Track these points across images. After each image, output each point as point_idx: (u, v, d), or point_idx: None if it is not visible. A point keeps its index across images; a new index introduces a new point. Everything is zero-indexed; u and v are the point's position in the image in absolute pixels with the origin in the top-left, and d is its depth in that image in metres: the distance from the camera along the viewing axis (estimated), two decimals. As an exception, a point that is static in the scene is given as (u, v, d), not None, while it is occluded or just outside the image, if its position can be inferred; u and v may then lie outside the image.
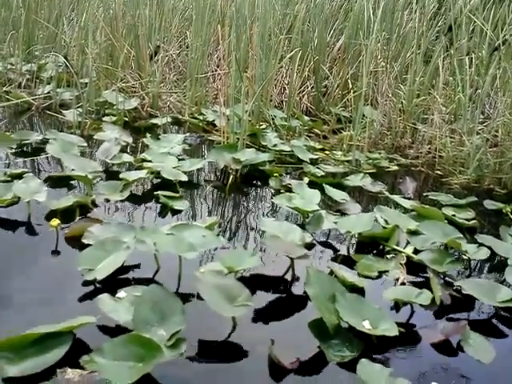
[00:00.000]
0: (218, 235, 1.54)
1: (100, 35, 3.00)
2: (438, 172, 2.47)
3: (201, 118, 2.81)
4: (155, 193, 1.82)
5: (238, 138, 2.28)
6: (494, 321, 1.35)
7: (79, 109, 2.54)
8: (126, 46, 3.00)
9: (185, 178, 1.96)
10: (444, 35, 2.92)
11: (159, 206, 1.80)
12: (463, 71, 2.62)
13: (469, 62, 2.65)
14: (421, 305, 1.33)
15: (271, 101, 2.93)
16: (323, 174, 2.23)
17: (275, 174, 2.11)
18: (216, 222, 1.63)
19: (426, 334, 1.25)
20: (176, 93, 3.04)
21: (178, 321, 1.08)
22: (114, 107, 2.65)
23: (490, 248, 1.62)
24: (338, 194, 1.96)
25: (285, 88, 3.10)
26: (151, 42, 3.06)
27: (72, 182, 1.90)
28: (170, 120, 2.75)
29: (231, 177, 2.09)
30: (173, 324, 1.08)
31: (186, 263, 1.36)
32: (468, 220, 1.88)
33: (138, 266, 1.39)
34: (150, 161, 2.08)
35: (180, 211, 1.77)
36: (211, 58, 3.24)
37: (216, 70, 3.16)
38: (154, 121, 2.69)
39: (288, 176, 2.21)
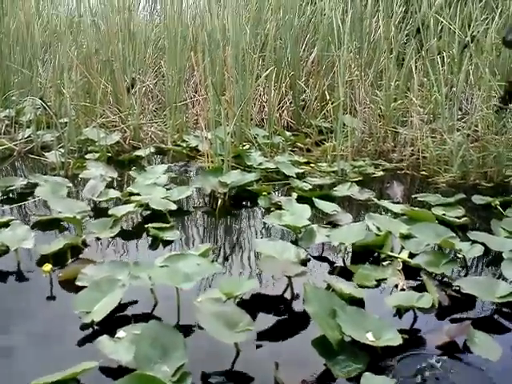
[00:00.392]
0: (213, 261, 1.53)
1: (75, 74, 3.01)
2: (424, 173, 2.49)
3: (184, 144, 2.81)
4: (145, 225, 1.81)
5: (223, 161, 2.28)
6: (496, 317, 1.35)
7: (61, 149, 2.54)
8: (102, 82, 3.01)
9: (174, 207, 1.96)
10: (414, 37, 2.97)
11: (151, 238, 1.79)
12: (436, 71, 2.66)
13: (441, 61, 2.70)
14: (422, 308, 1.33)
15: (252, 120, 2.95)
16: (311, 187, 2.24)
17: (263, 193, 2.12)
18: (209, 248, 1.62)
19: (431, 338, 1.25)
20: (156, 122, 3.04)
21: (181, 355, 1.07)
22: (96, 144, 2.65)
23: (483, 244, 1.62)
24: (328, 207, 1.96)
25: (264, 106, 3.12)
26: (127, 74, 3.07)
27: (61, 224, 1.88)
28: (153, 150, 2.75)
29: (220, 201, 2.09)
30: (175, 359, 1.06)
31: (183, 294, 1.35)
32: (459, 218, 1.89)
33: (135, 303, 1.38)
34: (137, 194, 2.07)
35: (172, 241, 1.76)
36: (188, 85, 3.26)
37: (194, 96, 3.18)
38: (138, 153, 2.69)
39: (276, 193, 2.22)
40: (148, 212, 1.98)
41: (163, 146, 2.85)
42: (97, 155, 2.60)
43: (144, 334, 1.12)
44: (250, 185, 2.22)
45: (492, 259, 1.66)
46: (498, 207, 1.98)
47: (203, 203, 2.17)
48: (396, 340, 1.13)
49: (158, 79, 3.44)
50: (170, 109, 2.93)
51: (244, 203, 2.16)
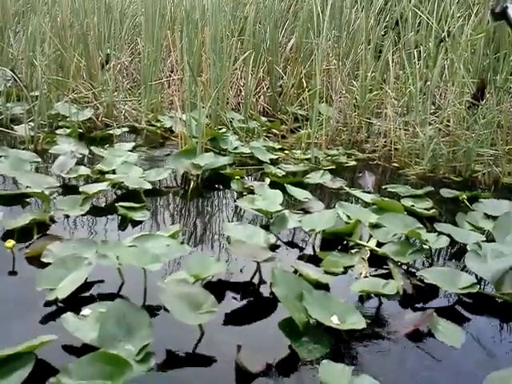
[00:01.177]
0: (183, 243, 1.53)
1: (48, 46, 2.93)
2: (395, 164, 2.52)
3: (158, 124, 2.78)
4: (116, 204, 1.79)
5: (197, 143, 2.27)
6: (458, 307, 1.39)
7: (31, 123, 2.47)
8: (75, 56, 2.94)
9: (149, 187, 1.94)
10: (392, 30, 2.99)
11: (121, 218, 1.77)
12: (412, 64, 2.69)
13: (417, 55, 2.72)
14: (387, 296, 1.36)
15: (228, 103, 2.93)
16: (284, 173, 2.24)
17: (236, 177, 2.11)
18: (179, 230, 1.61)
19: (394, 325, 1.28)
20: (131, 101, 2.99)
21: (146, 334, 1.06)
22: (68, 119, 2.59)
23: (449, 236, 1.66)
24: (300, 193, 1.97)
25: (241, 90, 3.10)
26: (102, 50, 3.00)
27: (28, 199, 1.84)
28: (126, 129, 2.71)
29: (192, 183, 2.08)
30: (140, 338, 1.06)
31: (151, 275, 1.34)
32: (427, 209, 1.93)
33: (101, 282, 1.36)
34: (110, 172, 2.04)
35: (142, 222, 1.74)
36: (164, 64, 3.21)
37: (170, 76, 3.13)
38: (110, 131, 2.64)
39: (250, 178, 2.21)
40: (122, 191, 1.96)
41: (137, 125, 2.81)
42: (68, 131, 2.54)
43: (109, 313, 1.11)
44: (224, 168, 2.21)
45: (457, 251, 1.71)
46: (465, 201, 2.03)
47: (176, 184, 2.16)
48: (360, 323, 1.15)
49: (133, 57, 3.38)
50: (145, 87, 2.88)
51: (217, 186, 2.15)
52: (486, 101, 2.50)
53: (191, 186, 2.06)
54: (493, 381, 1.02)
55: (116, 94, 2.97)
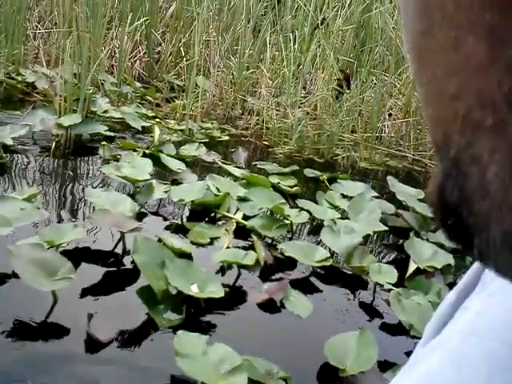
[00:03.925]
0: (39, 208, 1.42)
1: None
2: (266, 142, 2.60)
3: (19, 78, 2.53)
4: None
5: (64, 102, 2.11)
6: (312, 278, 1.49)
7: None
8: None
9: (10, 142, 1.77)
10: (271, 10, 3.05)
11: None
12: (288, 47, 2.78)
13: (293, 38, 2.82)
14: (247, 267, 1.41)
15: (100, 64, 2.77)
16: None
17: (104, 143, 2.01)
18: (36, 193, 1.50)
19: (252, 294, 1.33)
20: (-13, 49, 2.68)
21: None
22: None
23: (309, 212, 1.77)
24: (174, 164, 1.94)
25: (115, 52, 2.95)
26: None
27: None
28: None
29: (54, 143, 1.94)
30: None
31: (2, 239, 1.23)
32: (291, 187, 2.03)
33: None
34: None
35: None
36: (31, 14, 2.92)
37: (37, 27, 2.86)
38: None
39: (119, 144, 2.13)
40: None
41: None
42: None
43: None
44: (91, 132, 2.09)
45: (315, 226, 1.82)
46: (325, 181, 2.17)
47: (35, 144, 1.99)
48: (219, 293, 1.18)
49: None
50: (7, 36, 2.59)
51: (82, 150, 2.03)
52: (350, 90, 2.69)
53: (53, 146, 1.92)
54: (333, 343, 1.12)
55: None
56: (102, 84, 2.57)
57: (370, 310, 1.40)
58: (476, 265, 0.23)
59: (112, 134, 2.18)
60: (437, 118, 0.14)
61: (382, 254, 1.75)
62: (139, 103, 2.63)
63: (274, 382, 1.00)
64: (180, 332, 1.05)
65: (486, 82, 0.12)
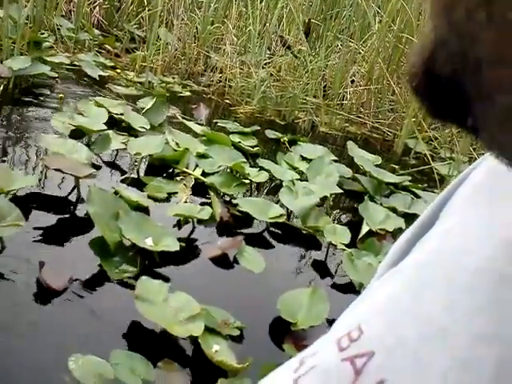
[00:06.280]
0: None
1: None
2: (227, 101, 2.56)
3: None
4: None
5: (14, 43, 1.99)
6: (266, 235, 1.51)
7: None
8: None
9: None
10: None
11: None
12: (255, 5, 2.71)
13: (261, -5, 2.75)
14: (204, 222, 1.40)
15: (57, 8, 2.62)
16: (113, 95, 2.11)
17: (61, 96, 1.91)
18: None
19: (206, 249, 1.33)
20: None
21: None
22: None
23: (268, 171, 1.77)
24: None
25: (73, -5, 2.79)
26: None
27: None
28: None
29: (2, 86, 1.83)
30: None
31: None
32: (251, 147, 2.02)
33: None
34: None
35: None
36: None
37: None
38: None
39: (74, 94, 2.04)
40: None
41: None
42: None
43: None
44: (43, 77, 1.99)
45: (274, 186, 1.83)
46: (286, 143, 2.17)
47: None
48: (173, 246, 1.17)
49: None
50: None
51: (34, 97, 1.94)
52: (315, 53, 2.66)
53: (0, 89, 1.82)
54: (286, 298, 1.14)
55: None
56: (59, 29, 2.44)
57: (323, 269, 1.44)
58: (434, 203, 0.23)
59: (66, 80, 2.09)
60: None
61: (337, 216, 1.78)
62: (97, 52, 2.52)
63: (229, 331, 1.02)
64: (143, 277, 1.04)
65: None
